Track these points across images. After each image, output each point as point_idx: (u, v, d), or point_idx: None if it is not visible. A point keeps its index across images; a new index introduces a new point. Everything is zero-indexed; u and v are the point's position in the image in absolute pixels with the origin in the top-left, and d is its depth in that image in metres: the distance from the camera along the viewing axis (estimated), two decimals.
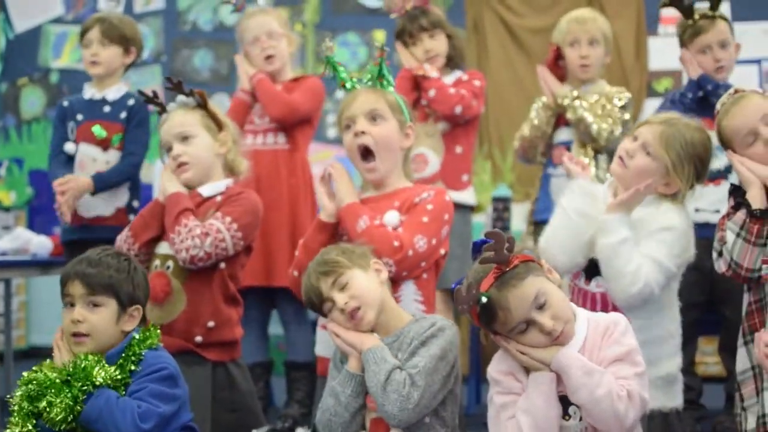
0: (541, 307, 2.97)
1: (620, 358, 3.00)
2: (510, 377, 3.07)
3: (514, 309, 2.95)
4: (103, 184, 5.06)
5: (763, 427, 3.54)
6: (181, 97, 4.25)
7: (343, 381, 3.46)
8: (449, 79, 5.35)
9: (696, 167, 3.80)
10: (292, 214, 5.38)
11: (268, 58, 5.50)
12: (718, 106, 3.87)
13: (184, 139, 4.17)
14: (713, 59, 5.03)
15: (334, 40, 8.54)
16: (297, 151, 5.50)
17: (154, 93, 4.37)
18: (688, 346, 4.80)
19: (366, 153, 3.92)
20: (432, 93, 5.21)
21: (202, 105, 4.25)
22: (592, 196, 3.82)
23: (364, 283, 3.48)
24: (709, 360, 6.72)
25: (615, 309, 3.69)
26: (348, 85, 4.03)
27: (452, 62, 5.42)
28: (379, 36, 8.37)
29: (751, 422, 3.60)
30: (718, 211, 3.91)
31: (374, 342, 3.43)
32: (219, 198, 4.15)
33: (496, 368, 3.10)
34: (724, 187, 3.88)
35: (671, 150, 3.75)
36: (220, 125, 4.26)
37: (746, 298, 3.72)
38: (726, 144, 3.81)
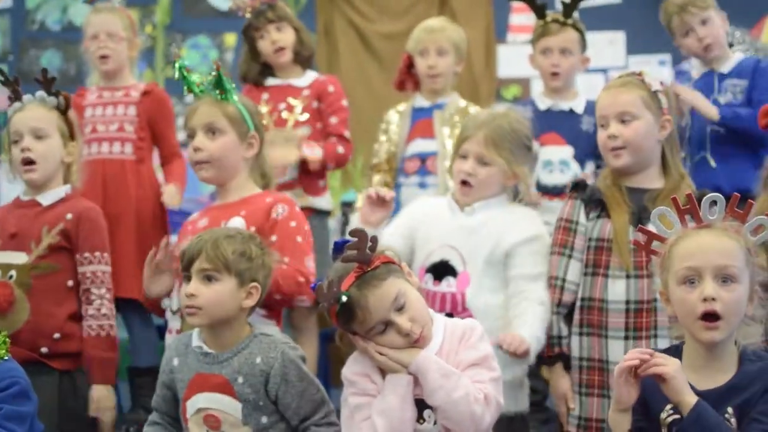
0: (399, 309, 2.99)
1: (477, 362, 3.03)
2: (365, 378, 3.07)
3: (373, 309, 2.96)
4: None
5: (584, 429, 3.72)
6: (42, 93, 4.15)
7: None
8: (304, 80, 5.35)
9: (526, 146, 3.95)
10: (139, 225, 5.26)
11: (102, 57, 5.39)
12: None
13: (39, 135, 4.08)
14: (551, 63, 5.12)
15: (185, 42, 8.48)
16: (143, 161, 5.39)
17: (15, 78, 4.25)
18: None
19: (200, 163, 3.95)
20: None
21: (62, 109, 4.16)
22: None
23: (223, 294, 3.31)
24: None
25: (464, 309, 3.75)
26: (196, 90, 4.01)
27: (300, 57, 5.39)
28: (230, 40, 8.34)
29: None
30: None
31: None
32: (69, 216, 4.06)
33: (351, 369, 3.11)
34: None
35: (502, 149, 3.86)
36: (72, 134, 4.18)
37: None
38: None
